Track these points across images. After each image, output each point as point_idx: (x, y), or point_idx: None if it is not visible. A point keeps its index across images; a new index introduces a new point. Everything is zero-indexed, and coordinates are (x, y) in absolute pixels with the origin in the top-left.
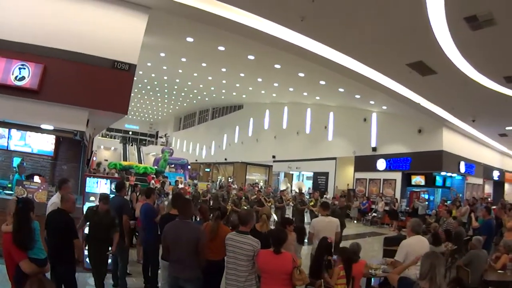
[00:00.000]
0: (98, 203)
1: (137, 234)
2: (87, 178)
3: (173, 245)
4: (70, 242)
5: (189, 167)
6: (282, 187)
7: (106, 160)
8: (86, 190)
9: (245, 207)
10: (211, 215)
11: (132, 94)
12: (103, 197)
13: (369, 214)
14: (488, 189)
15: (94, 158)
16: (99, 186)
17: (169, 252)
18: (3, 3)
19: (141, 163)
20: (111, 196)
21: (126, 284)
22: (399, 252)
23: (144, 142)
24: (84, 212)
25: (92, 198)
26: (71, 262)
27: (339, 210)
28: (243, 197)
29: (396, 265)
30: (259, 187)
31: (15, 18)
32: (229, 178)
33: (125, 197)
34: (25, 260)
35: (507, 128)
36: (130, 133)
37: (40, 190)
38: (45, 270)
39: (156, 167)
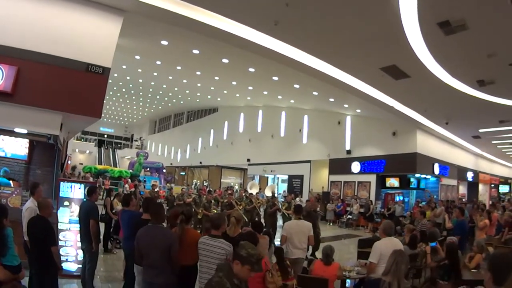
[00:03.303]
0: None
1: (117, 241)
2: (61, 183)
3: (146, 251)
4: (50, 249)
5: (164, 170)
6: (249, 190)
7: (81, 164)
8: (60, 195)
9: (215, 211)
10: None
11: (107, 97)
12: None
13: (344, 216)
14: (463, 190)
15: (69, 162)
16: (73, 191)
17: (142, 258)
18: None
19: (116, 167)
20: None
21: None
22: (373, 253)
23: (119, 145)
24: None
25: (66, 203)
26: (53, 268)
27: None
28: (213, 201)
29: (370, 266)
30: (233, 190)
31: None
32: (204, 182)
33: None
34: None
35: (480, 130)
36: (105, 136)
37: (14, 195)
38: (19, 277)
39: (131, 170)
